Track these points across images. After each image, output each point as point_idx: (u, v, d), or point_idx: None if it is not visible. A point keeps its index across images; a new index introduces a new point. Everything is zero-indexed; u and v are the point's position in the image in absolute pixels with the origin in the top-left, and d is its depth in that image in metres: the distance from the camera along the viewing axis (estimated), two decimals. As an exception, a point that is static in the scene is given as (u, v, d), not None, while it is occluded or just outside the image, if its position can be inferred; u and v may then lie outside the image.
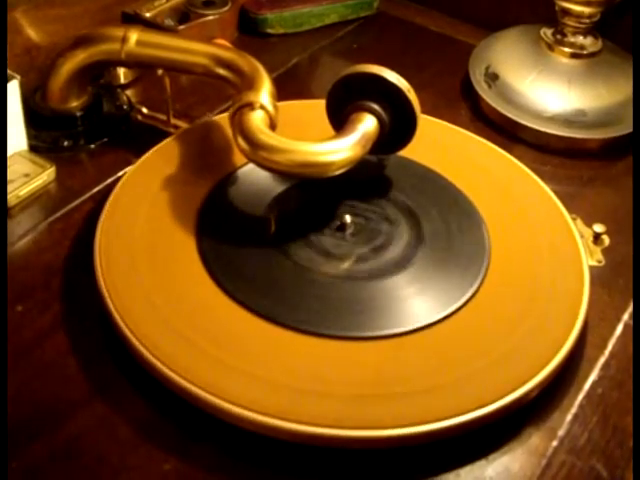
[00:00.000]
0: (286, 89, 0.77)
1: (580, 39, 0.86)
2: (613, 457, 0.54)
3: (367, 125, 0.66)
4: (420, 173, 0.73)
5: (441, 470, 0.53)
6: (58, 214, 0.69)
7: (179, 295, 0.60)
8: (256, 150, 0.62)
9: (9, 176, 0.70)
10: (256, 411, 0.51)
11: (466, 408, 0.52)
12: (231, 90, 0.71)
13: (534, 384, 0.55)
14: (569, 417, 0.56)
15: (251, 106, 0.65)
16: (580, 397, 0.58)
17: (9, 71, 0.70)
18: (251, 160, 0.64)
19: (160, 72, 0.75)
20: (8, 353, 0.57)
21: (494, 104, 0.85)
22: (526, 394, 0.54)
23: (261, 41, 0.98)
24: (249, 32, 0.98)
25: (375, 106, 0.66)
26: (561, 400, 0.57)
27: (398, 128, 0.68)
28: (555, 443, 0.54)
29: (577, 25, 0.85)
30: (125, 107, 0.82)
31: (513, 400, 0.54)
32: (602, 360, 0.60)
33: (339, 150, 0.63)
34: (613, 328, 0.63)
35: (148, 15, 0.87)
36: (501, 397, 0.53)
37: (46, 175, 0.72)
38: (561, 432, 0.55)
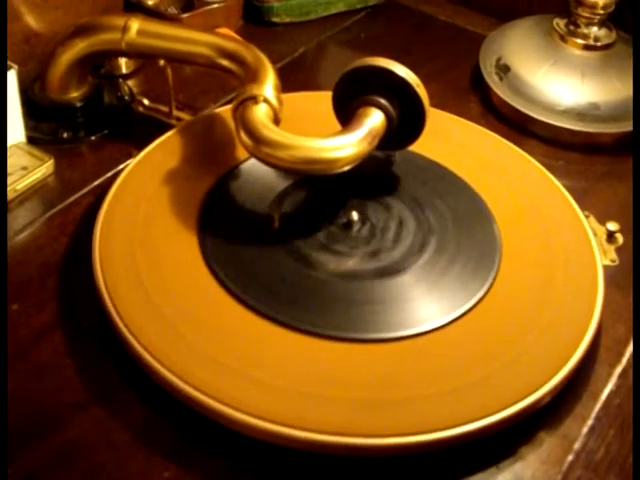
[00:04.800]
0: (292, 80, 0.76)
1: (594, 30, 0.84)
2: (632, 473, 0.52)
3: (374, 120, 0.64)
4: (428, 168, 0.71)
5: (450, 479, 0.51)
6: (56, 209, 0.68)
7: (180, 294, 0.58)
8: (259, 145, 0.61)
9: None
10: (260, 417, 0.50)
11: (475, 415, 0.51)
12: (235, 81, 0.69)
13: (547, 389, 0.53)
14: (585, 430, 0.54)
15: (254, 99, 0.63)
16: (597, 408, 0.56)
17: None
18: (254, 156, 0.62)
19: (162, 63, 0.73)
20: (2, 354, 0.56)
21: (505, 97, 0.83)
22: (539, 400, 0.53)
23: (266, 30, 0.96)
24: (254, 21, 0.97)
25: (383, 101, 0.64)
26: (575, 406, 0.56)
27: (406, 123, 0.66)
28: (571, 457, 0.53)
29: (591, 16, 0.84)
30: (126, 98, 0.80)
31: (525, 406, 0.52)
32: (619, 369, 0.58)
33: (345, 146, 0.61)
34: (628, 331, 0.61)
35: (151, 3, 0.86)
36: (512, 403, 0.52)
37: (45, 168, 0.70)
38: (577, 445, 0.53)
